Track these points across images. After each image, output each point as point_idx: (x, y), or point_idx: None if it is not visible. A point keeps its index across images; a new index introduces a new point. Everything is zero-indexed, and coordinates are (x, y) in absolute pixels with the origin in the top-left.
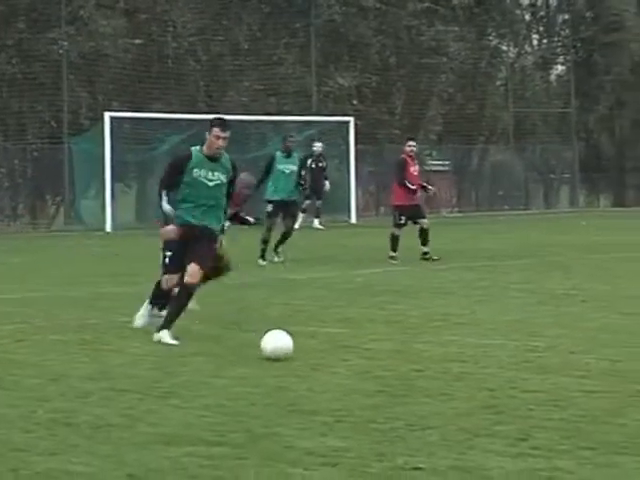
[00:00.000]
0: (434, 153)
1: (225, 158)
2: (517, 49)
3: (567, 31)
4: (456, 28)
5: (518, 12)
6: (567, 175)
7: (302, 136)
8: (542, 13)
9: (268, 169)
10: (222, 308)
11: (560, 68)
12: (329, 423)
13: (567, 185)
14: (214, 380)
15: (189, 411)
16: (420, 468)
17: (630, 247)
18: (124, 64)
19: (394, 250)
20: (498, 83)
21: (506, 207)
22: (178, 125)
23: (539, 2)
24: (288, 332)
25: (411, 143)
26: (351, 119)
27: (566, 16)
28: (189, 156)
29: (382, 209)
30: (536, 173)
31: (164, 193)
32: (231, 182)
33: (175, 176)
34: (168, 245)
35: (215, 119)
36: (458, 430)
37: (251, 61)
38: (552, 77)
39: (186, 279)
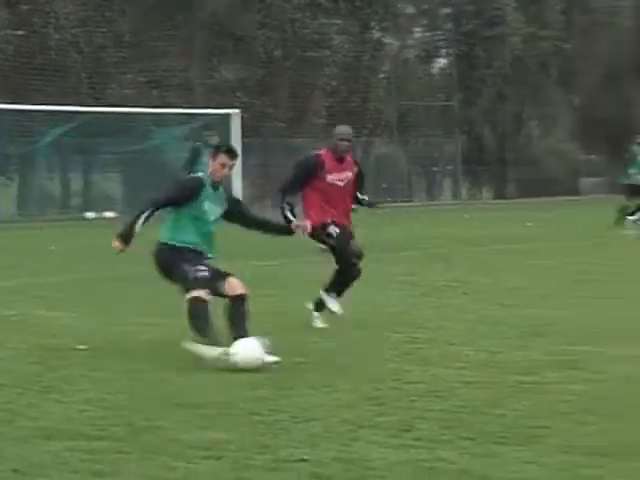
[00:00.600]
0: (318, 146)
1: (221, 188)
2: (400, 42)
3: (449, 25)
4: (339, 21)
5: (400, 5)
6: (450, 168)
7: (187, 129)
8: (425, 6)
9: (194, 162)
10: (101, 302)
11: (442, 61)
12: (211, 416)
13: (450, 178)
14: (95, 374)
15: (70, 405)
16: (304, 460)
17: (510, 240)
18: (6, 55)
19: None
20: (381, 76)
21: (389, 199)
22: (61, 117)
23: None
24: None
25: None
26: (236, 112)
27: (448, 10)
28: (201, 183)
29: (268, 202)
30: (419, 166)
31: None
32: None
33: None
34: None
35: (223, 146)
36: (341, 422)
37: (134, 53)
38: (435, 70)
39: (242, 292)
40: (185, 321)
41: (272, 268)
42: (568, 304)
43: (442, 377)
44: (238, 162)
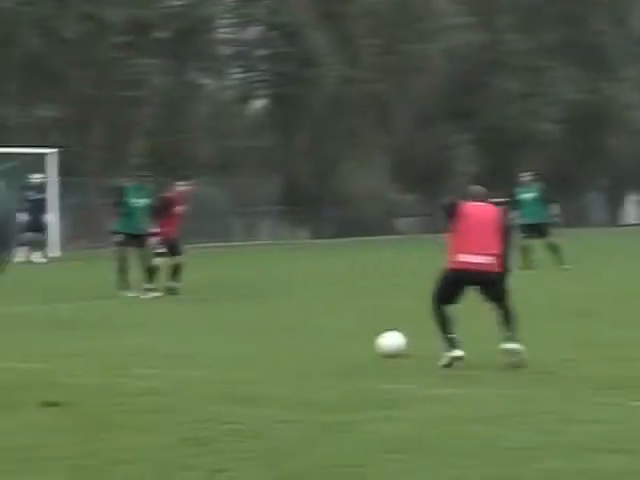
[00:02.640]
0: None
1: None
2: (217, 83)
3: (266, 66)
4: (157, 61)
5: (218, 46)
6: (268, 208)
7: (3, 167)
8: (242, 48)
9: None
10: None
11: (259, 102)
12: (23, 460)
13: (268, 218)
14: None
15: None
16: None
17: (324, 279)
18: None
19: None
20: (199, 117)
21: (207, 240)
22: None
23: (238, 37)
24: None
25: (183, 182)
26: (52, 151)
27: (265, 51)
28: None
29: (84, 242)
30: (237, 206)
31: None
32: None
33: None
34: None
35: None
36: (157, 464)
37: None
38: (252, 111)
39: None
40: None
41: (83, 309)
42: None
43: (260, 417)
44: (54, 202)
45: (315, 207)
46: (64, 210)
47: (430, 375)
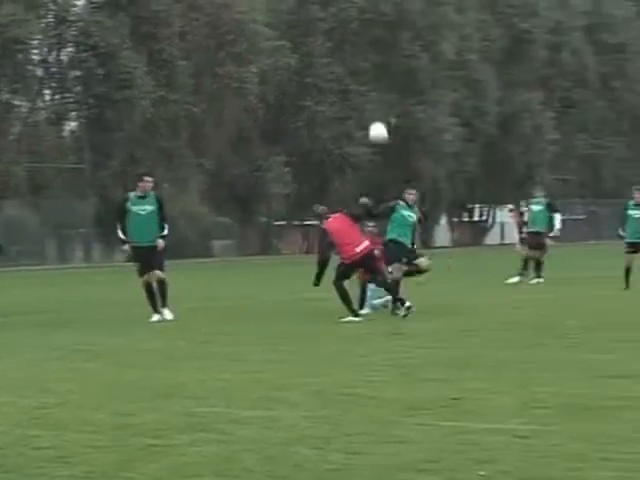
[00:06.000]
0: None
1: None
2: (30, 104)
3: (79, 87)
4: None
5: (30, 67)
6: (82, 230)
7: None
8: (54, 69)
9: None
10: None
11: (73, 124)
12: None
13: (82, 240)
14: None
15: None
16: None
17: (140, 302)
18: None
19: None
20: (11, 138)
21: (23, 263)
22: None
23: (51, 59)
24: None
25: None
26: None
27: (78, 73)
28: None
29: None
30: (52, 228)
31: None
32: None
33: None
34: None
35: None
36: None
37: None
38: (65, 132)
39: None
40: None
41: None
42: (196, 365)
43: (73, 442)
44: None
45: None
46: None
47: (240, 398)
